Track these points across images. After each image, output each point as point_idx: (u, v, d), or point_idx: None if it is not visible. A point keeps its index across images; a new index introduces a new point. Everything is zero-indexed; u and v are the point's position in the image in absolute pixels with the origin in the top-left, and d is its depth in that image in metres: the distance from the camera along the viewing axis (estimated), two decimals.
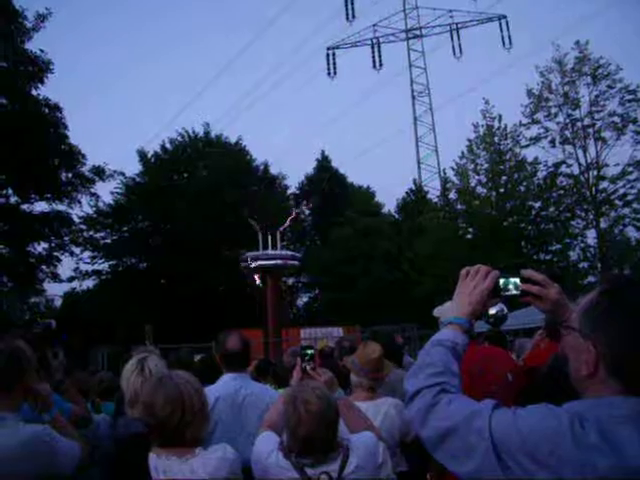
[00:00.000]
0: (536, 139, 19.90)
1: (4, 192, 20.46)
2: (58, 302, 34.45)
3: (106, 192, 28.35)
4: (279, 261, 17.49)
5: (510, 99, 21.77)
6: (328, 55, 37.25)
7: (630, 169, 18.40)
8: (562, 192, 19.75)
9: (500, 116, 20.48)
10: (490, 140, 20.50)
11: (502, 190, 20.35)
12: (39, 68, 19.76)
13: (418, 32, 37.66)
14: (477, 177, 20.98)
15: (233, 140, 32.71)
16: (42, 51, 19.79)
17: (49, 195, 21.23)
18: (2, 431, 1.94)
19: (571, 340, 1.26)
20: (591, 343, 1.17)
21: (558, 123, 19.62)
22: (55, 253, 22.52)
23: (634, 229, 18.87)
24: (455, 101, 72.23)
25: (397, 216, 33.08)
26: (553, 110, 19.60)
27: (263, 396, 3.11)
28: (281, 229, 18.43)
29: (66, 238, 23.15)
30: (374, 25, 37.28)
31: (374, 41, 37.44)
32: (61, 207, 21.91)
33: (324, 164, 36.59)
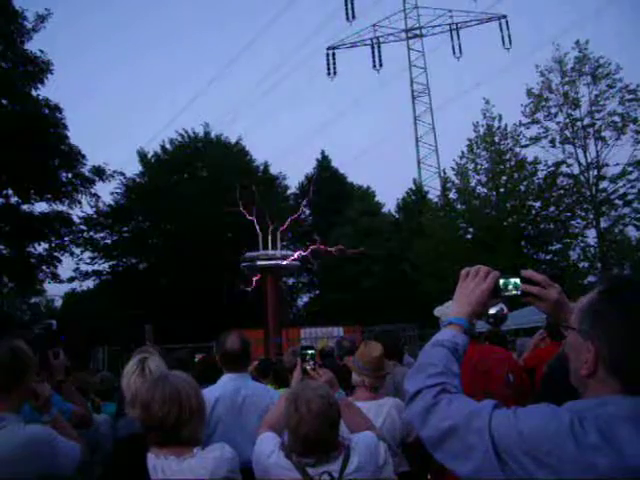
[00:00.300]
0: (536, 139, 19.86)
1: (4, 192, 20.45)
2: (58, 302, 34.54)
3: (106, 192, 28.36)
4: (279, 261, 17.51)
5: (510, 99, 21.81)
6: (328, 55, 37.35)
7: (630, 169, 18.36)
8: (562, 192, 19.71)
9: (500, 116, 20.49)
10: (490, 140, 20.48)
11: (502, 190, 20.32)
12: (39, 68, 19.76)
13: (418, 32, 37.71)
14: (477, 177, 20.95)
15: (233, 140, 32.77)
16: (42, 52, 19.82)
17: (49, 195, 21.21)
18: (3, 432, 1.93)
19: (571, 340, 1.26)
20: (590, 343, 1.17)
21: (558, 123, 19.59)
22: (55, 253, 22.50)
23: (634, 229, 18.88)
24: (455, 101, 72.28)
25: (397, 216, 33.10)
26: (553, 110, 19.57)
27: (263, 396, 3.11)
28: (281, 229, 18.45)
29: (66, 238, 23.14)
30: (374, 25, 37.36)
31: (374, 41, 37.49)
32: (61, 207, 21.91)
33: (324, 164, 36.60)
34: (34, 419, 2.20)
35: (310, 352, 2.60)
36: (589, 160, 19.32)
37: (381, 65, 37.28)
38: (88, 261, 28.62)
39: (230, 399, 3.02)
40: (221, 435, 2.76)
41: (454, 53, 36.68)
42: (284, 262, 17.52)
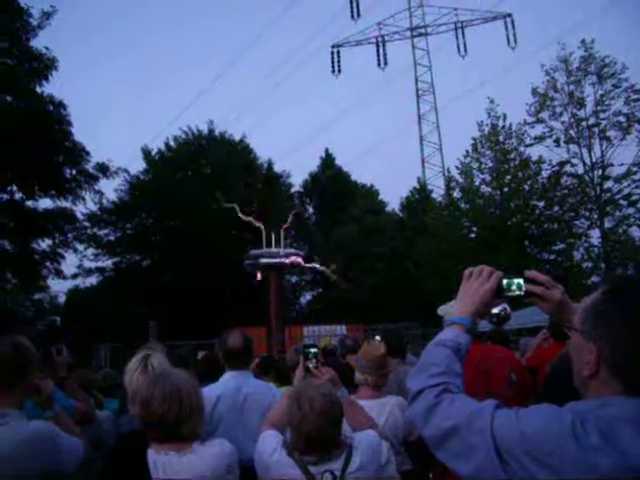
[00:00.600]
0: (541, 138, 19.79)
1: (9, 189, 20.49)
2: (62, 299, 34.64)
3: (110, 189, 28.45)
4: (282, 259, 17.52)
5: (515, 98, 21.71)
6: (333, 53, 37.20)
7: (635, 169, 18.28)
8: (566, 192, 19.64)
9: (505, 115, 20.44)
10: (495, 139, 20.43)
11: (506, 189, 20.27)
12: (44, 65, 19.78)
13: (423, 30, 37.60)
14: (481, 176, 20.92)
15: (237, 138, 32.78)
16: (47, 48, 19.84)
17: (53, 192, 21.23)
18: (6, 428, 1.94)
19: (574, 340, 1.26)
20: (593, 343, 1.17)
21: (563, 122, 19.52)
22: (59, 250, 22.51)
23: (638, 229, 18.82)
24: (460, 99, 72.04)
25: (401, 214, 33.08)
26: (558, 109, 19.50)
27: (265, 394, 3.11)
28: (284, 227, 18.46)
29: (70, 235, 23.14)
30: (379, 23, 37.25)
31: (379, 39, 37.38)
32: (65, 204, 21.91)
33: (328, 162, 36.60)
34: (37, 415, 2.20)
35: (313, 350, 2.60)
36: (594, 160, 19.25)
37: (386, 63, 37.20)
38: (92, 258, 28.79)
39: (232, 397, 3.03)
40: (223, 432, 2.76)
41: (459, 52, 36.58)
42: (287, 260, 17.54)
